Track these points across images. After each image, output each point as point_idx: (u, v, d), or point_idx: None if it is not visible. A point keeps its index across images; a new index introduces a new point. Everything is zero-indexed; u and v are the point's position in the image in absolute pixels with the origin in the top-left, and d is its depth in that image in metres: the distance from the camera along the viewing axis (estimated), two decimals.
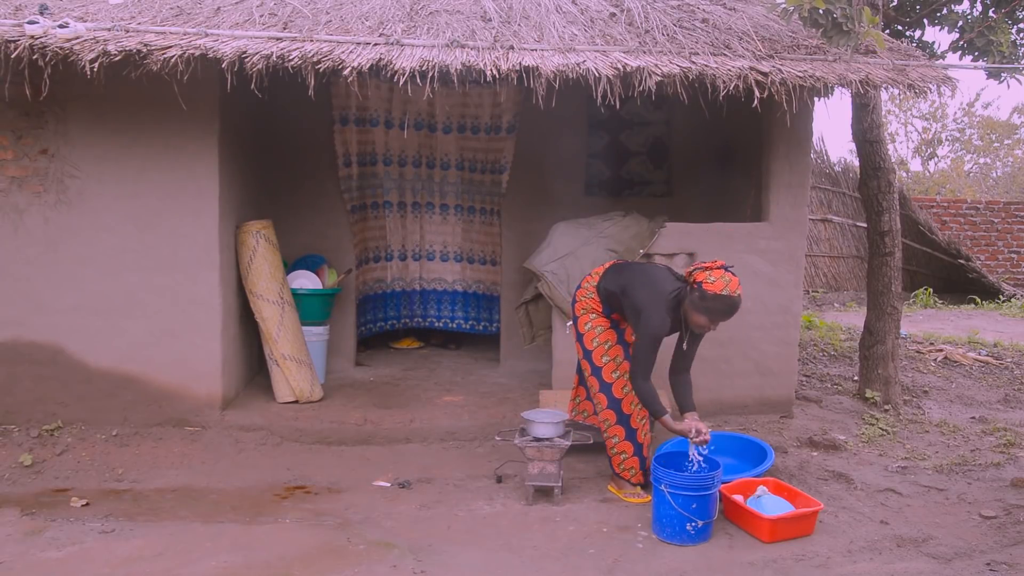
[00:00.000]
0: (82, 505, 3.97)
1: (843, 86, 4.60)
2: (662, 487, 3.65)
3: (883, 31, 5.09)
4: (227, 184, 4.99)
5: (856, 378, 6.21)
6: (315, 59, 4.18)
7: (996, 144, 19.13)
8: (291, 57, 4.16)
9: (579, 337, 4.21)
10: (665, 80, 4.35)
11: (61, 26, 4.12)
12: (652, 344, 3.86)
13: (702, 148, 6.55)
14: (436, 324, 7.00)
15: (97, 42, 4.11)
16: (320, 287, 5.79)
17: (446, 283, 6.95)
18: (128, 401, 4.84)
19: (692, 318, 3.83)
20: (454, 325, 6.98)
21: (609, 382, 4.12)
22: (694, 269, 3.85)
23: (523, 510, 4.02)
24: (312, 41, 4.36)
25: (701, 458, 3.85)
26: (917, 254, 11.81)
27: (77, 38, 4.12)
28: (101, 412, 4.82)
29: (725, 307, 3.74)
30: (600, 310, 4.15)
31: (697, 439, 3.83)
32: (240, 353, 5.35)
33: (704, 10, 5.22)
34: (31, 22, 4.12)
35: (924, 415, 5.66)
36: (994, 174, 19.49)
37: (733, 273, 3.78)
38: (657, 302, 3.85)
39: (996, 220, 12.56)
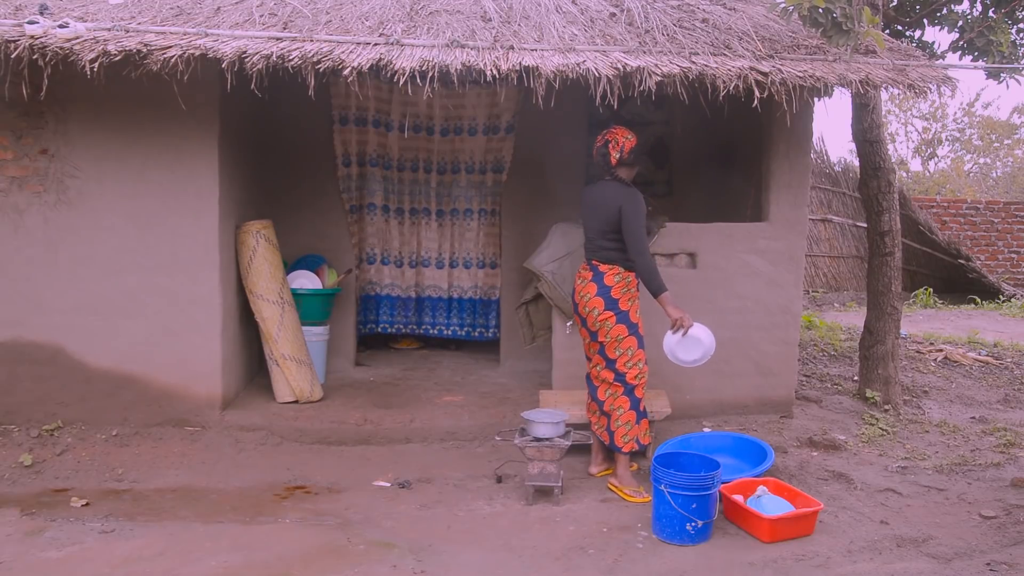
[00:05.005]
0: (82, 505, 3.97)
1: (843, 86, 4.60)
2: (662, 487, 3.65)
3: (883, 31, 5.09)
4: (227, 184, 4.99)
5: (856, 378, 6.21)
6: (315, 59, 4.18)
7: (996, 144, 19.14)
8: (291, 57, 4.16)
9: (632, 329, 4.24)
10: (665, 80, 4.35)
11: (61, 26, 4.12)
12: (643, 221, 4.24)
13: (703, 148, 6.55)
14: (431, 331, 6.94)
15: (97, 42, 4.11)
16: (320, 287, 5.79)
17: (442, 290, 6.88)
18: (128, 401, 4.84)
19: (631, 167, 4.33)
20: (449, 332, 6.92)
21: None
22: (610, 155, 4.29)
23: (523, 510, 4.02)
24: (312, 41, 4.36)
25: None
26: (917, 254, 11.80)
27: (77, 38, 4.12)
28: (101, 412, 4.82)
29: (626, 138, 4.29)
30: (637, 284, 4.30)
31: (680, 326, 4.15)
32: (240, 353, 5.35)
33: (704, 10, 5.22)
34: (31, 22, 4.12)
35: (924, 415, 5.66)
36: (994, 174, 19.51)
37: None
38: (633, 192, 4.27)
39: (996, 220, 12.57)
